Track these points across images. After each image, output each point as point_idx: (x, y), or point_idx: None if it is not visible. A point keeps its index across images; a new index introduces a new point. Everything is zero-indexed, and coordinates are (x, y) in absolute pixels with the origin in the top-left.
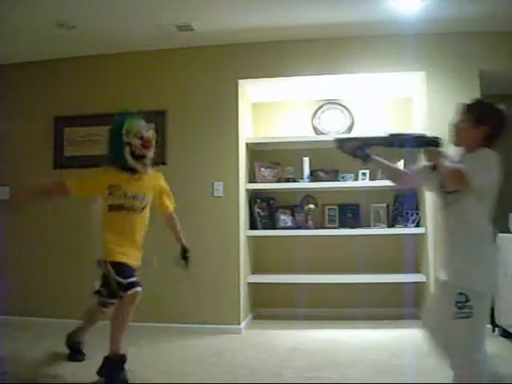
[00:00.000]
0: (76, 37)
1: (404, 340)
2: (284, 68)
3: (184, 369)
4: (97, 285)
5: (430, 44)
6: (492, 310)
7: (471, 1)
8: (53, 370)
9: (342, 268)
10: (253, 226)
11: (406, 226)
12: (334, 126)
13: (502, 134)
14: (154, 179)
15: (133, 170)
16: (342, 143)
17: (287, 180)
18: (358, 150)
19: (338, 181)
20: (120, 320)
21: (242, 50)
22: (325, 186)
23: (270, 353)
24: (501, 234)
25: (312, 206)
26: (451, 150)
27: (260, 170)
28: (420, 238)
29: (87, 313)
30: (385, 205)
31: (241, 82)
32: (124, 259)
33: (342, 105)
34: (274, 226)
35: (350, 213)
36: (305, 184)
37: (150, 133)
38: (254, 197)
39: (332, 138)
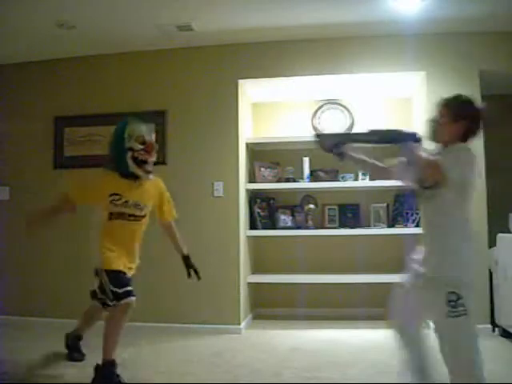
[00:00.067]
0: (76, 37)
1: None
2: (284, 68)
3: (184, 369)
4: (95, 285)
5: (430, 44)
6: (492, 310)
7: (471, 1)
8: (53, 370)
9: (341, 268)
10: (253, 226)
11: (406, 226)
12: (333, 126)
13: (479, 130)
14: (154, 186)
15: (134, 176)
16: (320, 140)
17: (287, 180)
18: (335, 147)
19: (338, 181)
20: (112, 329)
21: (242, 50)
22: (325, 186)
23: (270, 353)
24: (501, 234)
25: (312, 206)
26: (429, 146)
27: (260, 170)
28: (420, 238)
29: (88, 312)
30: (385, 205)
31: (241, 81)
32: (120, 267)
33: (341, 105)
34: (274, 226)
35: (350, 213)
36: (305, 184)
37: (151, 137)
38: (254, 197)
39: (312, 136)
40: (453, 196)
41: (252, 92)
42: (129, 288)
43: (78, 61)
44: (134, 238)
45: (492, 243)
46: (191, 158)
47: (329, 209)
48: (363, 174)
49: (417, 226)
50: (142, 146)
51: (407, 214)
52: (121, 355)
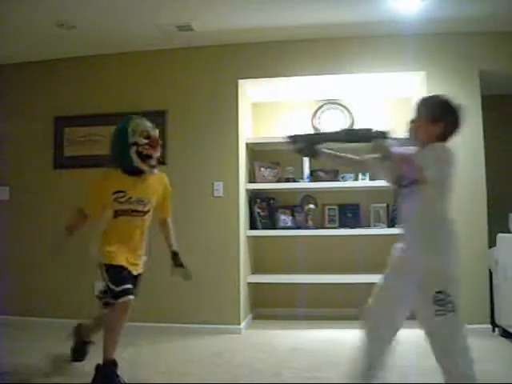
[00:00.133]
0: (76, 37)
1: (404, 339)
2: (284, 68)
3: (184, 369)
4: (100, 286)
5: (430, 44)
6: (492, 310)
7: (471, 1)
8: (53, 370)
9: (341, 268)
10: (253, 226)
11: None
12: (334, 126)
13: (458, 129)
14: (159, 180)
15: (138, 172)
16: (292, 141)
17: (287, 180)
18: (307, 148)
19: (338, 181)
20: (111, 328)
21: (242, 50)
22: (325, 186)
23: (270, 353)
24: (501, 234)
25: (312, 206)
26: (407, 146)
27: (260, 170)
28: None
29: (97, 318)
30: (385, 205)
31: (241, 81)
32: (122, 262)
33: (341, 105)
34: (274, 226)
35: (350, 213)
36: (305, 184)
37: (156, 132)
38: (254, 197)
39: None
40: (431, 193)
41: (252, 92)
42: (126, 286)
43: (78, 61)
44: (138, 233)
45: (492, 243)
46: (191, 157)
47: (329, 209)
48: (363, 174)
49: None
50: (146, 141)
51: None
52: (121, 355)
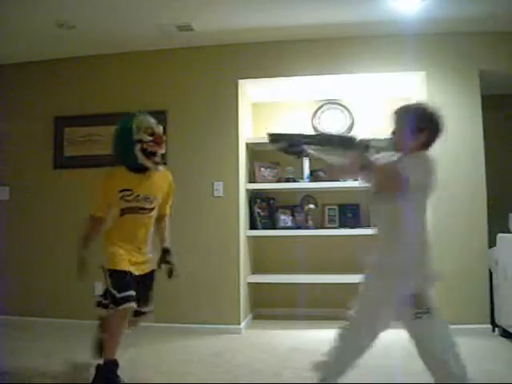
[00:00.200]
0: (76, 37)
1: (404, 340)
2: (284, 68)
3: (184, 369)
4: (100, 287)
5: (430, 44)
6: (492, 310)
7: (471, 1)
8: (53, 370)
9: (341, 268)
10: (253, 226)
11: None
12: (334, 126)
13: (439, 137)
14: (164, 177)
15: (143, 169)
16: (274, 139)
17: (287, 180)
18: (291, 147)
19: (338, 181)
20: (111, 333)
21: (242, 50)
22: (325, 186)
23: (270, 353)
24: (501, 234)
25: (312, 206)
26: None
27: (260, 170)
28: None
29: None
30: None
31: (241, 81)
32: (126, 267)
33: (342, 105)
34: (274, 226)
35: (350, 213)
36: (305, 184)
37: (160, 129)
38: (254, 197)
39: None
40: (410, 199)
41: (252, 92)
42: (128, 293)
43: (78, 61)
44: (144, 231)
45: (492, 243)
46: (191, 157)
47: (329, 209)
48: None
49: None
50: (151, 138)
51: None
52: (121, 356)
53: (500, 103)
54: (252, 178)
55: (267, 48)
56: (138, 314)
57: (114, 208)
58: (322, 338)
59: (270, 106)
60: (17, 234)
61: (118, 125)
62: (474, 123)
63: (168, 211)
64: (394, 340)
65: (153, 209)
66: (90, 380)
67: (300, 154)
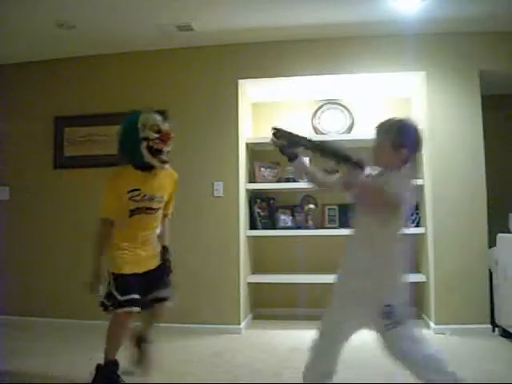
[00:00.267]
0: (76, 37)
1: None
2: (284, 68)
3: (184, 369)
4: (102, 288)
5: (430, 44)
6: (492, 310)
7: (471, 1)
8: (53, 370)
9: None
10: (253, 226)
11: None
12: (334, 126)
13: (419, 152)
14: (170, 177)
15: (149, 167)
16: (278, 135)
17: (287, 180)
18: (285, 148)
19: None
20: (113, 336)
21: (242, 50)
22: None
23: (270, 353)
24: (501, 234)
25: (312, 206)
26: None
27: (260, 170)
28: (420, 238)
29: (145, 317)
30: None
31: (241, 81)
32: (132, 270)
33: (342, 105)
34: (274, 226)
35: (350, 213)
36: (305, 184)
37: (166, 126)
38: (254, 197)
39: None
40: (387, 216)
41: (252, 92)
42: (131, 296)
43: (78, 61)
44: (150, 231)
45: (492, 243)
46: (191, 157)
47: (329, 209)
48: None
49: (417, 225)
50: (157, 135)
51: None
52: (122, 355)
53: (500, 103)
54: (252, 178)
55: (267, 48)
56: (157, 300)
57: (122, 209)
58: None
59: (270, 105)
60: (17, 234)
61: (124, 122)
62: (473, 123)
63: (170, 211)
64: None
65: (159, 209)
66: (90, 380)
67: (290, 158)
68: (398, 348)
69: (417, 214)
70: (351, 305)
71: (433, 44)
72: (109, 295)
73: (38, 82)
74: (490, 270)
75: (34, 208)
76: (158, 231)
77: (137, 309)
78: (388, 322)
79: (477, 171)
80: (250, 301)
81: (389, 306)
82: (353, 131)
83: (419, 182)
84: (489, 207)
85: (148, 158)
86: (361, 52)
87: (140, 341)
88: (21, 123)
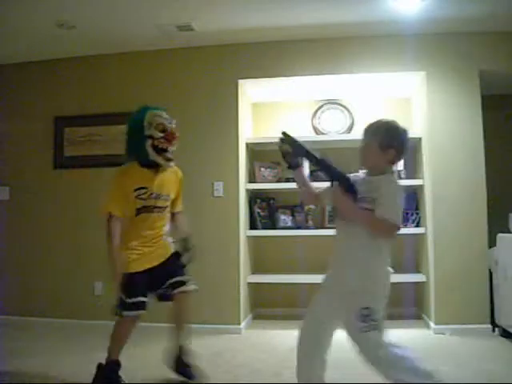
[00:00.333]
0: (76, 37)
1: (404, 340)
2: (284, 68)
3: None
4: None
5: (430, 44)
6: (492, 310)
7: (471, 1)
8: (53, 370)
9: None
10: (253, 226)
11: (405, 225)
12: (334, 126)
13: (405, 154)
14: (175, 174)
15: (155, 165)
16: (289, 142)
17: (287, 180)
18: (289, 156)
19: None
20: (117, 337)
21: (242, 50)
22: (327, 185)
23: (270, 353)
24: (501, 234)
25: (312, 205)
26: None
27: (260, 170)
28: (420, 238)
29: (176, 321)
30: None
31: (241, 81)
32: (138, 268)
33: (342, 105)
34: (274, 226)
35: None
36: None
37: (172, 125)
38: (254, 197)
39: (281, 134)
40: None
41: (252, 92)
42: (138, 299)
43: (78, 61)
44: (158, 230)
45: (492, 243)
46: (191, 157)
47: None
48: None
49: (417, 225)
50: (162, 134)
51: (407, 214)
52: (123, 355)
53: (500, 103)
54: (252, 178)
55: (267, 48)
56: (175, 285)
57: (129, 208)
58: None
59: (270, 105)
60: (17, 234)
61: (130, 118)
62: (473, 123)
63: (181, 207)
64: (406, 339)
65: (166, 207)
66: (91, 380)
67: (291, 167)
68: (365, 350)
69: (417, 214)
70: (333, 302)
71: (433, 44)
72: (118, 298)
73: (38, 81)
74: (490, 269)
75: (34, 208)
76: (166, 229)
77: (143, 312)
78: (363, 324)
79: (477, 171)
80: (250, 301)
81: (368, 308)
82: (353, 131)
83: (419, 182)
84: (489, 207)
85: (153, 156)
86: (361, 52)
87: (180, 363)
88: (21, 123)
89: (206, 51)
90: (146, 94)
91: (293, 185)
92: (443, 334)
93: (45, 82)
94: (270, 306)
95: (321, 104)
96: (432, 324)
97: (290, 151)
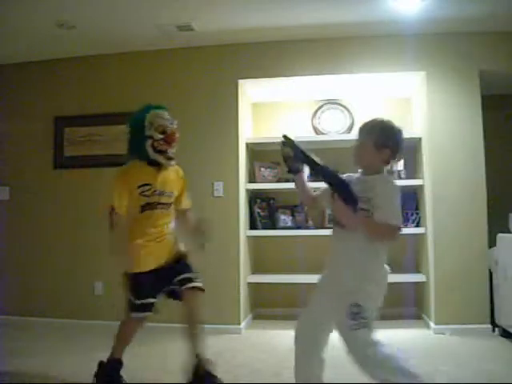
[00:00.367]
0: (76, 37)
1: (404, 340)
2: (284, 68)
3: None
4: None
5: (430, 44)
6: (492, 310)
7: (471, 1)
8: (53, 370)
9: None
10: (253, 226)
11: (406, 225)
12: (334, 126)
13: (400, 154)
14: (176, 172)
15: (156, 164)
16: (286, 144)
17: (287, 180)
18: (290, 160)
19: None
20: (123, 337)
21: (242, 50)
22: (325, 186)
23: (270, 353)
24: (501, 234)
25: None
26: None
27: (260, 170)
28: (420, 238)
29: (189, 322)
30: None
31: (241, 81)
32: (147, 267)
33: (342, 105)
34: (274, 226)
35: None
36: None
37: (174, 126)
38: (254, 197)
39: (283, 136)
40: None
41: (252, 92)
42: (146, 301)
43: (78, 61)
44: (164, 227)
45: (492, 243)
46: (191, 157)
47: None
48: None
49: (417, 225)
50: (161, 136)
51: (407, 214)
52: (126, 355)
53: (500, 103)
54: (252, 178)
55: (267, 48)
56: (183, 282)
57: (133, 205)
58: None
59: (270, 105)
60: (17, 234)
61: (132, 117)
62: (473, 123)
63: (188, 204)
64: (393, 340)
65: (170, 204)
66: (91, 381)
67: (291, 171)
68: (354, 348)
69: (417, 214)
70: (329, 302)
71: (433, 44)
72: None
73: (38, 81)
74: (490, 269)
75: (34, 208)
76: (171, 227)
77: (150, 313)
78: (352, 322)
79: (477, 171)
80: (249, 301)
81: (358, 305)
82: (353, 131)
83: (419, 182)
84: (489, 207)
85: (154, 155)
86: (361, 52)
87: (198, 374)
88: (21, 123)
89: (205, 51)
90: (146, 93)
91: (293, 185)
92: (443, 333)
93: (45, 82)
94: (269, 305)
95: (321, 104)
96: (432, 324)
97: (292, 155)
